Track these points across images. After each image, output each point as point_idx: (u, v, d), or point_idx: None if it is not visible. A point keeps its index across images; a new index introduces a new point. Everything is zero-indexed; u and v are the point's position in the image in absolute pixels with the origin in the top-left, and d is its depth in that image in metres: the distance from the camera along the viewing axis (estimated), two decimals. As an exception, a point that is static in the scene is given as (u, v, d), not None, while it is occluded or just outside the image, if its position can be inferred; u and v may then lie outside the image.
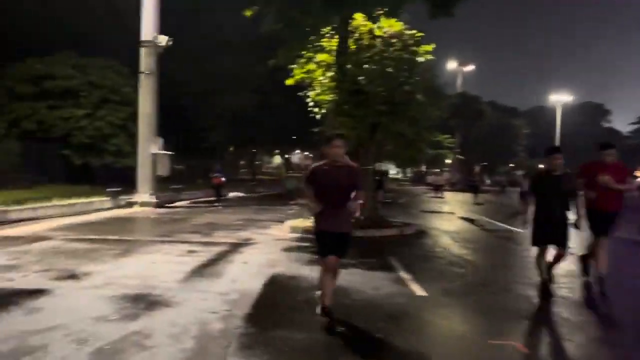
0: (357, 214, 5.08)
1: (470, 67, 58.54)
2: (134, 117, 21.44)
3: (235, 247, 9.51)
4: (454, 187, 49.67)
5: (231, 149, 43.12)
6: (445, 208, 22.94)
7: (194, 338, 4.39)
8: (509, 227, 14.97)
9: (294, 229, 11.97)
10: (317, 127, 14.11)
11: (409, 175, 74.34)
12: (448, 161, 64.72)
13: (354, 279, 7.04)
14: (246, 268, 7.54)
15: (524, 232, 6.95)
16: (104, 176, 22.84)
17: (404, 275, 7.35)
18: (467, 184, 37.49)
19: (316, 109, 13.45)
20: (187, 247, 9.30)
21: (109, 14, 27.18)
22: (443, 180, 34.94)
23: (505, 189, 48.26)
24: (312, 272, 7.24)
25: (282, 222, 13.64)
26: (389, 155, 14.06)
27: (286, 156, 64.12)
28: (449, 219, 17.88)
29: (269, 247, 9.61)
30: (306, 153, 65.99)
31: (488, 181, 64.40)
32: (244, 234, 11.38)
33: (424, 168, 69.08)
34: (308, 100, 13.61)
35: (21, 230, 10.76)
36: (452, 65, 55.05)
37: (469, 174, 58.31)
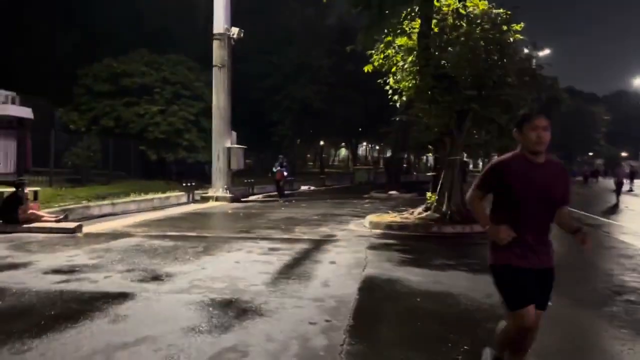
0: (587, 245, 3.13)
1: (545, 52, 55.33)
2: (205, 112, 21.50)
3: (318, 244, 8.96)
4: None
5: (298, 141, 42.99)
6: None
7: (297, 357, 3.80)
8: (611, 220, 13.60)
9: (374, 225, 11.28)
10: (395, 116, 13.32)
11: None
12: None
13: (457, 282, 6.28)
14: (335, 269, 6.93)
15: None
16: (178, 171, 23.11)
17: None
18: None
19: (395, 97, 12.64)
20: (268, 244, 8.84)
21: (180, 9, 27.50)
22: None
23: (589, 179, 45.33)
24: (406, 275, 6.55)
25: (359, 217, 13.01)
26: (479, 145, 13.04)
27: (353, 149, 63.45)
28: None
29: (353, 245, 8.98)
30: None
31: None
32: (324, 230, 10.83)
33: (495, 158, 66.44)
34: (387, 87, 12.84)
35: (102, 227, 10.70)
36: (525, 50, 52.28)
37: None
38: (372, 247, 8.76)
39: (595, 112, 72.76)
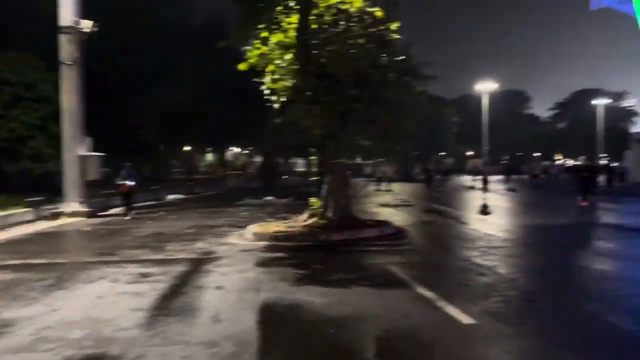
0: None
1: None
2: (54, 116, 18.82)
3: (198, 264, 7.79)
4: (393, 179, 48.58)
5: (162, 147, 40.34)
6: (399, 200, 22.01)
7: None
8: (481, 215, 14.09)
9: (258, 236, 10.33)
10: (273, 118, 12.47)
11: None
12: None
13: (365, 301, 5.60)
14: (224, 296, 5.88)
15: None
16: (23, 184, 20.04)
17: (423, 292, 5.95)
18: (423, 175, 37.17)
19: (273, 97, 11.79)
20: (138, 268, 7.47)
21: (22, 1, 24.11)
22: (390, 171, 33.76)
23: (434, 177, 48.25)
24: (308, 296, 5.73)
25: (239, 227, 11.96)
26: (363, 148, 12.69)
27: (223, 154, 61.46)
28: (413, 211, 16.84)
29: (238, 262, 7.95)
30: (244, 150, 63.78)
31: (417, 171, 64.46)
32: (201, 246, 9.62)
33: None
34: (263, 87, 11.93)
35: None
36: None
37: (406, 166, 58.64)
38: (262, 264, 7.81)
39: (446, 115, 78.61)
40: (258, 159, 53.83)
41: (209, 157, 73.89)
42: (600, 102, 72.63)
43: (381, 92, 10.37)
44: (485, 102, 66.08)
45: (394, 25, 11.31)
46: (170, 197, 23.72)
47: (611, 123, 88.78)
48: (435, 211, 17.05)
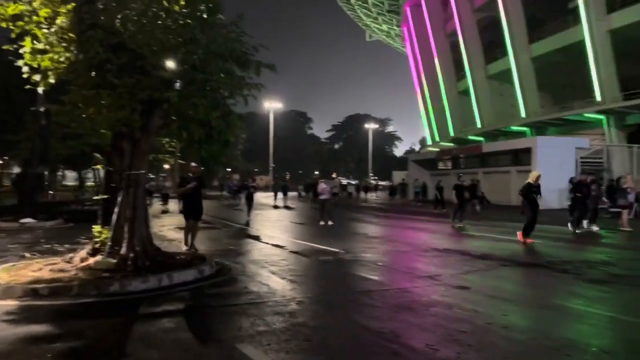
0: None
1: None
2: None
3: None
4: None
5: None
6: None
7: None
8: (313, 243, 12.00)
9: (5, 290, 6.45)
10: (37, 106, 8.53)
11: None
12: (167, 166, 60.10)
13: None
14: None
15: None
16: None
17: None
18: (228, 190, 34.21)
19: (36, 77, 7.88)
20: None
21: None
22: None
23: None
24: None
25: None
26: (173, 153, 9.50)
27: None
28: (223, 235, 14.05)
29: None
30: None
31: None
32: None
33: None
34: (20, 63, 7.92)
35: None
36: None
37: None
38: (25, 339, 4.26)
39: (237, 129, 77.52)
40: (16, 170, 44.45)
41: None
42: (369, 127, 79.64)
43: (204, 78, 7.45)
44: (271, 120, 66.60)
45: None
46: None
47: (378, 145, 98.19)
48: (249, 235, 14.51)
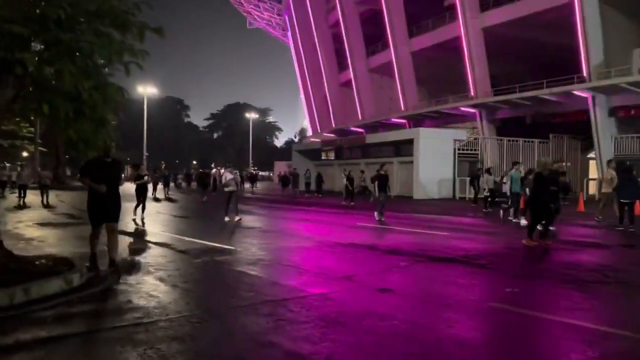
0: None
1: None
2: None
3: None
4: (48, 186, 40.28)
5: None
6: (62, 215, 16.46)
7: None
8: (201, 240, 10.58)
9: None
10: None
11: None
12: (26, 154, 53.77)
13: None
14: None
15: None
16: None
17: None
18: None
19: None
20: None
21: None
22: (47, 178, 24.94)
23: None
24: None
25: None
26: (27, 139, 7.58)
27: None
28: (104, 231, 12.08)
29: None
30: None
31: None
32: None
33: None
34: None
35: None
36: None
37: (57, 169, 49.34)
38: None
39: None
40: None
41: None
42: (250, 116, 78.15)
43: (72, 38, 5.81)
44: (145, 106, 62.36)
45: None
46: None
47: (259, 136, 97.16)
48: (128, 233, 12.65)
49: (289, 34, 59.69)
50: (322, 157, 39.15)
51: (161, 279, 6.89)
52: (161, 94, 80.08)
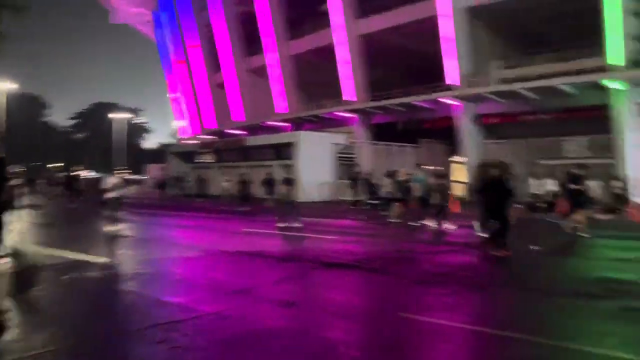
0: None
1: None
2: None
3: None
4: None
5: None
6: None
7: None
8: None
9: None
10: None
11: None
12: None
13: None
14: None
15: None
16: None
17: None
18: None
19: None
20: None
21: None
22: None
23: None
24: None
25: None
26: None
27: None
28: None
29: None
30: None
31: None
32: None
33: None
34: None
35: None
36: None
37: None
38: None
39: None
40: None
41: None
42: (118, 116, 73.28)
43: None
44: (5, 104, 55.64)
45: None
46: None
47: (127, 137, 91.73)
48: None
49: (161, 31, 56.90)
50: (201, 160, 37.75)
51: (21, 303, 5.84)
52: (21, 90, 72.03)
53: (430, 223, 12.99)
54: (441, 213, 13.04)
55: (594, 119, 22.02)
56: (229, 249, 10.27)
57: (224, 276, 7.71)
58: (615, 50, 20.52)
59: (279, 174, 29.94)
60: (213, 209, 22.94)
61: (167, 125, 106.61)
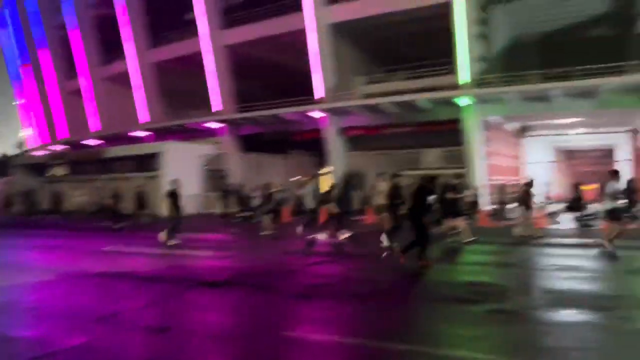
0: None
1: None
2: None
3: None
4: None
5: None
6: None
7: None
8: None
9: None
10: None
11: None
12: None
13: None
14: None
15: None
16: None
17: None
18: None
19: None
20: None
21: None
22: None
23: None
24: None
25: None
26: None
27: None
28: None
29: None
30: None
31: None
32: None
33: None
34: None
35: None
36: None
37: None
38: None
39: None
40: None
41: None
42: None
43: None
44: None
45: None
46: None
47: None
48: None
49: (7, 31, 51.34)
50: (54, 173, 34.49)
51: None
52: None
53: (320, 236, 12.89)
54: (314, 223, 13.24)
55: (449, 132, 24.02)
56: (91, 270, 9.40)
57: (87, 301, 7.01)
58: (464, 70, 22.62)
59: (153, 187, 28.51)
60: (73, 226, 21.01)
61: (13, 134, 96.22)
